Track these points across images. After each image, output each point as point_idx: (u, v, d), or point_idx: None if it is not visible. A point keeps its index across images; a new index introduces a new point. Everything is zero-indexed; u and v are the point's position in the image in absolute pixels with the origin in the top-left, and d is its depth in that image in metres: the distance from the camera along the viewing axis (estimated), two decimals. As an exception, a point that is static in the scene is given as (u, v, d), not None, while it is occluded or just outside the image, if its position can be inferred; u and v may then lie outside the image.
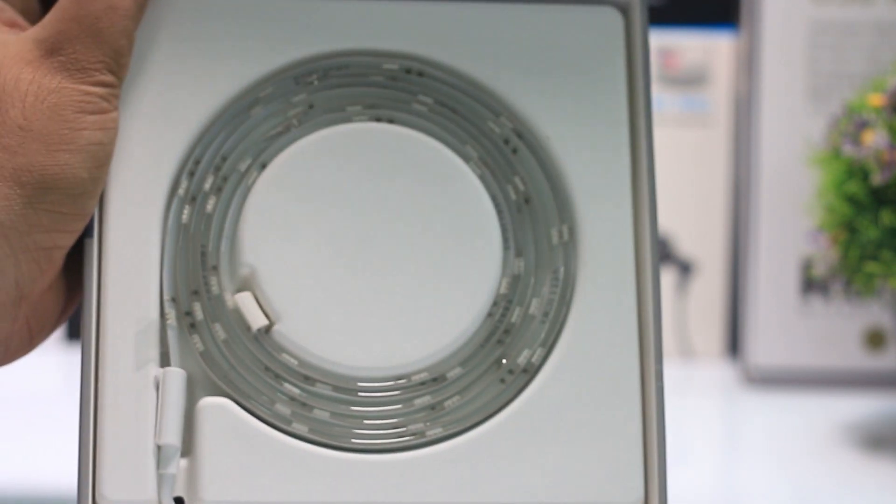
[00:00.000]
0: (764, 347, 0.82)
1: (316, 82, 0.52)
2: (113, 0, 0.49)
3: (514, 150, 0.52)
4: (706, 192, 0.86)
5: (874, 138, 0.67)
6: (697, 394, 0.78)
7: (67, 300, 0.53)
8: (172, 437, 0.49)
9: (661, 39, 0.85)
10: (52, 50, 0.49)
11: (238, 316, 0.50)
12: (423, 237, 0.52)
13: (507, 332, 0.51)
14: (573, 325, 0.51)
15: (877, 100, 0.68)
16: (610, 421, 0.50)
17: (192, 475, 0.49)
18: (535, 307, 0.51)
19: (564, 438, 0.50)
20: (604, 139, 0.52)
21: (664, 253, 0.87)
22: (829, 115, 0.79)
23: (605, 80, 0.53)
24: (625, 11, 0.54)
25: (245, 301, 0.50)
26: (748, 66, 0.83)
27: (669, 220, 0.86)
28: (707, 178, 0.86)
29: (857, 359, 0.82)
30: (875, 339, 0.82)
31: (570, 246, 0.52)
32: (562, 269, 0.51)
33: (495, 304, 0.51)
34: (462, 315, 0.51)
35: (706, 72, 0.86)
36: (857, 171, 0.69)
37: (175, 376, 0.49)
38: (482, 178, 0.52)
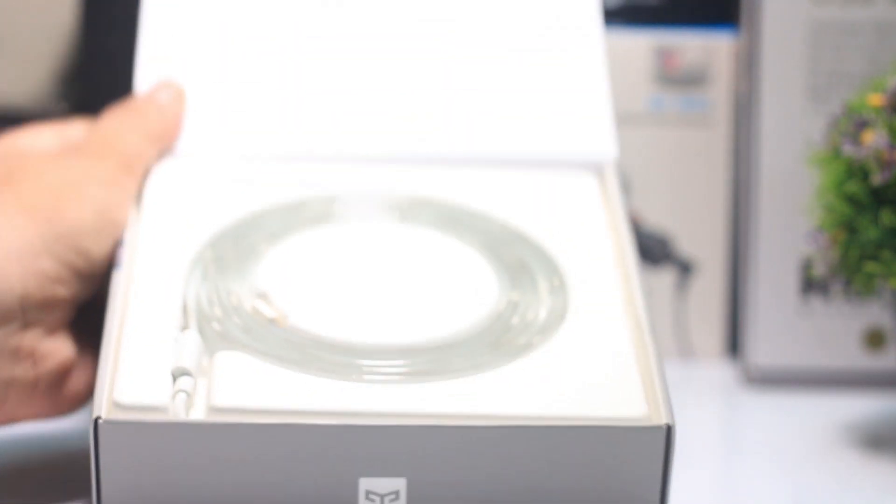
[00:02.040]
0: (764, 347, 0.82)
1: None
2: None
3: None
4: (706, 192, 0.86)
5: (874, 138, 0.67)
6: (697, 394, 0.78)
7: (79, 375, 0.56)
8: (190, 363, 0.50)
9: (661, 39, 0.85)
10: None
11: (255, 313, 0.52)
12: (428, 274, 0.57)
13: (507, 331, 0.52)
14: (569, 323, 0.53)
15: (877, 100, 0.68)
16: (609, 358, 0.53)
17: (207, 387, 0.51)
18: (531, 316, 0.53)
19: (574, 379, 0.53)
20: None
21: (664, 253, 0.87)
22: (829, 115, 0.79)
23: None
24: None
25: (260, 305, 0.53)
26: (748, 66, 0.83)
27: (669, 220, 0.86)
28: (707, 178, 0.86)
29: (857, 359, 0.82)
30: (875, 339, 0.82)
31: (560, 289, 0.53)
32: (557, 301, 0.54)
33: (496, 317, 0.53)
34: (461, 322, 0.53)
35: (706, 72, 0.86)
36: (856, 171, 0.69)
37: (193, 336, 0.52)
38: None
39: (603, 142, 0.64)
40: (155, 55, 0.67)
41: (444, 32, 0.68)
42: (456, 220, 0.59)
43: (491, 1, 0.69)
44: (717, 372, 0.85)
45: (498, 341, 0.53)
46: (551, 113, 0.65)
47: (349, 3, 0.68)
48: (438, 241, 0.58)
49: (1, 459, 0.63)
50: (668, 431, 0.49)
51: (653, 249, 0.86)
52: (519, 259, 0.58)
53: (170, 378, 0.51)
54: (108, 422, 0.49)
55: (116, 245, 0.56)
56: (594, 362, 0.53)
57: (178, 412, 0.49)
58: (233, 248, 0.57)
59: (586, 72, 0.67)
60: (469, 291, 0.56)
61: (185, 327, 0.53)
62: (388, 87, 0.66)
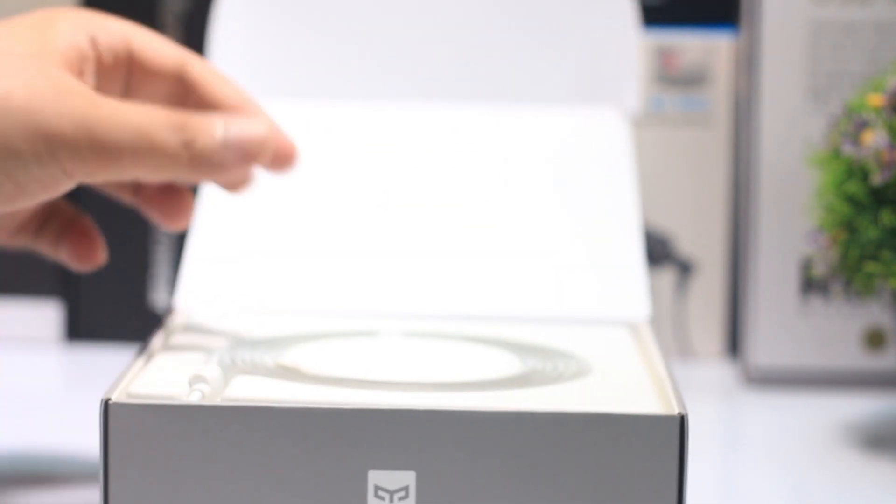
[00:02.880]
0: (764, 347, 0.82)
1: None
2: None
3: None
4: (706, 192, 0.86)
5: (874, 138, 0.67)
6: (697, 394, 0.78)
7: None
8: (208, 374, 0.51)
9: (661, 39, 0.85)
10: None
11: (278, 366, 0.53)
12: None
13: (532, 375, 0.54)
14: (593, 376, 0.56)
15: (877, 100, 0.68)
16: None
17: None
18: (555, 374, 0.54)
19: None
20: None
21: (664, 253, 0.87)
22: (829, 115, 0.79)
23: None
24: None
25: (284, 362, 0.56)
26: (748, 66, 0.83)
27: (669, 220, 0.86)
28: (707, 178, 0.86)
29: (857, 359, 0.82)
30: (875, 339, 0.82)
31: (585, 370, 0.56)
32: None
33: (521, 373, 0.54)
34: (485, 374, 0.54)
35: (706, 72, 0.86)
36: (856, 171, 0.69)
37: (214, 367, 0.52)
38: None
39: (636, 301, 0.66)
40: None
41: (478, 197, 0.72)
42: (485, 340, 0.61)
43: (528, 162, 0.73)
44: (717, 372, 0.85)
45: (524, 381, 0.54)
46: (585, 272, 0.68)
47: (394, 168, 0.72)
48: (463, 345, 0.60)
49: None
50: (682, 421, 0.49)
51: (653, 249, 0.86)
52: (544, 350, 0.59)
53: (187, 384, 0.51)
54: (117, 404, 0.48)
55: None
56: (616, 389, 0.53)
57: (191, 400, 0.49)
58: (261, 343, 0.58)
59: (620, 232, 0.70)
60: (493, 362, 0.57)
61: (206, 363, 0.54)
62: (426, 247, 0.69)
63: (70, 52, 0.55)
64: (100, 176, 0.52)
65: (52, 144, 0.51)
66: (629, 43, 0.77)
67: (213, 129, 0.54)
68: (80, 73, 0.56)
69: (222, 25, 0.77)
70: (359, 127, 0.74)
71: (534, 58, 0.77)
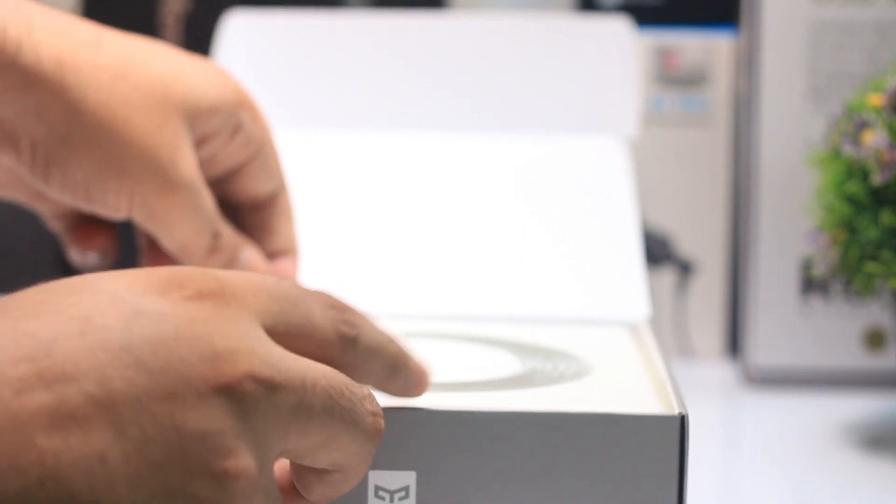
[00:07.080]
0: (764, 347, 0.82)
1: None
2: None
3: None
4: (706, 192, 0.86)
5: (874, 138, 0.67)
6: (697, 394, 0.79)
7: None
8: None
9: (661, 39, 0.85)
10: None
11: None
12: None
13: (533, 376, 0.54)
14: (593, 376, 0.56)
15: (876, 100, 0.68)
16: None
17: None
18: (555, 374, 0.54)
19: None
20: None
21: (664, 253, 0.87)
22: (829, 115, 0.79)
23: None
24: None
25: None
26: (748, 66, 0.83)
27: (669, 220, 0.86)
28: (707, 178, 0.86)
29: (857, 359, 0.82)
30: (875, 339, 0.82)
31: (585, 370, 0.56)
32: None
33: (521, 373, 0.54)
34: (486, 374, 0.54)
35: (706, 72, 0.86)
36: (856, 171, 0.69)
37: None
38: None
39: (636, 301, 0.66)
40: None
41: (480, 209, 0.73)
42: (485, 340, 0.61)
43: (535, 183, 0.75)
44: (717, 372, 0.85)
45: (525, 381, 0.54)
46: (585, 273, 0.69)
47: (418, 179, 0.74)
48: (463, 345, 0.60)
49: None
50: (682, 421, 0.49)
51: (653, 249, 0.86)
52: (544, 350, 0.59)
53: None
54: None
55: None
56: (616, 388, 0.53)
57: None
58: None
59: (619, 235, 0.71)
60: (493, 362, 0.57)
61: None
62: (429, 250, 0.70)
63: (205, 126, 0.60)
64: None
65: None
66: (629, 74, 0.78)
67: (239, 254, 0.62)
68: (203, 140, 0.60)
69: (224, 54, 0.77)
70: (368, 154, 0.75)
71: (539, 90, 0.78)
